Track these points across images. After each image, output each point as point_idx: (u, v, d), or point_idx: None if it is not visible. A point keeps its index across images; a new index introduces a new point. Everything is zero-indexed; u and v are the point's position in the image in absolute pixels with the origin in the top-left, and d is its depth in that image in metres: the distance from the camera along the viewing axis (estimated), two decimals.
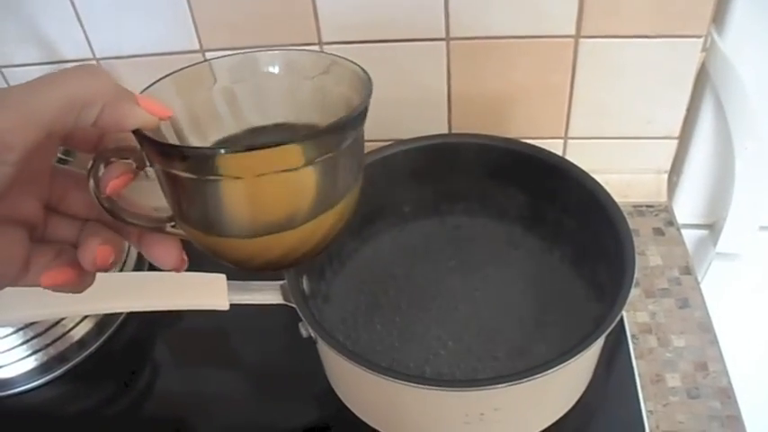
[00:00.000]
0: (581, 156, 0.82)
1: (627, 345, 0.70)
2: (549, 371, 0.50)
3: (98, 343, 0.76)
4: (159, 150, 0.32)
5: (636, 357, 0.70)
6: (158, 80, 0.37)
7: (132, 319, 0.78)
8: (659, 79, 0.77)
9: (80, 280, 0.35)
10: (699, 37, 0.73)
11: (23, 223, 0.34)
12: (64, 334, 0.74)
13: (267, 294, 0.59)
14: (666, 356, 0.70)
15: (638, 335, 0.72)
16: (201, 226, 0.36)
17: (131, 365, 0.74)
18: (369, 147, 0.70)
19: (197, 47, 0.79)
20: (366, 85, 0.38)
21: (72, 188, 0.37)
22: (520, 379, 0.50)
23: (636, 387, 0.67)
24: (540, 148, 0.69)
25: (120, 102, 0.30)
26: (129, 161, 0.33)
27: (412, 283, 0.71)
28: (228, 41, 0.78)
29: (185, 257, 0.37)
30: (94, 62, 0.81)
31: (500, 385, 0.50)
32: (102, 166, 0.33)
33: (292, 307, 0.57)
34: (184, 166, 0.32)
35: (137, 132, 0.32)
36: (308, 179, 0.35)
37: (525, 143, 0.70)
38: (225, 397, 0.69)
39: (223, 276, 0.58)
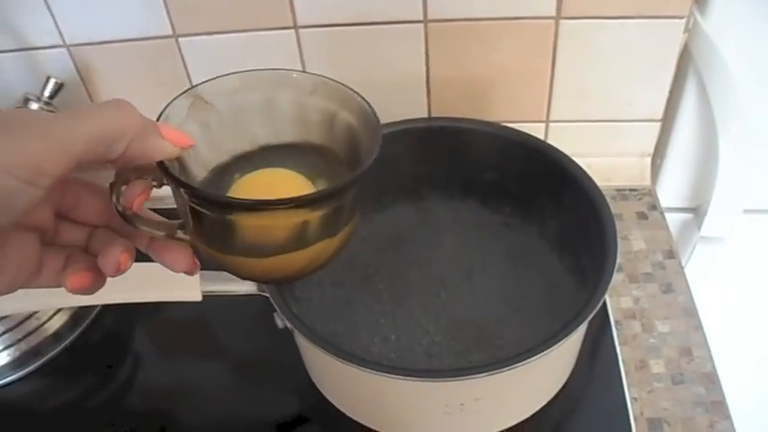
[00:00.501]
0: (563, 139, 0.81)
1: (610, 331, 0.69)
2: (529, 359, 0.49)
3: (74, 335, 0.74)
4: (178, 185, 0.34)
5: (619, 343, 0.69)
6: (172, 101, 0.38)
7: (109, 310, 0.76)
8: (641, 61, 0.75)
9: (98, 283, 0.37)
10: (681, 17, 0.72)
11: (36, 229, 0.36)
12: (38, 327, 0.73)
13: (241, 284, 0.57)
14: (650, 342, 0.70)
15: (622, 320, 0.71)
16: (216, 246, 0.38)
17: (109, 358, 0.72)
18: None
19: (169, 32, 0.77)
20: (376, 131, 0.39)
21: (83, 196, 0.38)
22: (500, 368, 0.49)
23: (620, 374, 0.66)
24: (521, 131, 0.68)
25: (146, 135, 0.33)
26: (148, 180, 0.36)
27: (392, 270, 0.69)
28: (202, 26, 0.77)
29: (197, 261, 0.39)
30: (65, 49, 0.79)
31: (479, 375, 0.48)
32: (122, 183, 0.36)
33: (267, 296, 0.56)
34: (201, 203, 0.35)
35: (161, 164, 0.34)
36: (317, 218, 0.38)
37: (506, 127, 0.69)
38: (205, 388, 0.68)
39: None
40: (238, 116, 0.41)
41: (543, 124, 0.83)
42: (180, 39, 0.77)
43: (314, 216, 0.38)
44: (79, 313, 0.75)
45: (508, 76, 0.78)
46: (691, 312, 0.72)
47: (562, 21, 0.73)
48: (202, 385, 0.69)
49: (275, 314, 0.56)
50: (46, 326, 0.73)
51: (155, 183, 0.36)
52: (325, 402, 0.63)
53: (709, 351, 0.69)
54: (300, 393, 0.66)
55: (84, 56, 0.80)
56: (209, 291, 0.56)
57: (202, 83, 0.39)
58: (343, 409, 0.62)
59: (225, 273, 0.56)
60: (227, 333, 0.73)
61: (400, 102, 0.80)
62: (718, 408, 0.64)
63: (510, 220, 0.72)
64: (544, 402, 0.61)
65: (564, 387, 0.63)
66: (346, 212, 0.40)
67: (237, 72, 0.40)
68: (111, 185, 0.36)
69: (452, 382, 0.50)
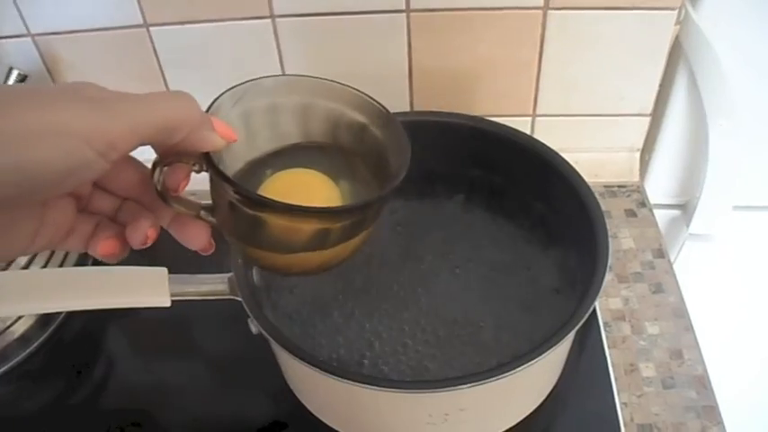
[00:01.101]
0: (550, 134, 0.79)
1: (599, 333, 0.67)
2: (515, 370, 0.46)
3: (42, 338, 0.71)
4: (223, 179, 0.37)
5: (609, 346, 0.67)
6: (221, 94, 0.40)
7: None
8: (631, 53, 0.73)
9: (123, 252, 0.40)
10: (672, 9, 0.70)
11: (75, 195, 0.38)
12: (3, 330, 0.69)
13: (212, 287, 0.54)
14: (640, 345, 0.67)
15: (611, 322, 0.69)
16: (242, 237, 0.42)
17: (80, 360, 0.70)
18: None
19: (140, 21, 0.73)
20: (405, 150, 0.42)
21: (123, 170, 0.39)
22: (485, 379, 0.46)
23: (609, 378, 0.64)
24: (506, 126, 0.65)
25: (201, 128, 0.35)
26: (190, 164, 0.38)
27: (373, 270, 0.66)
28: (174, 15, 0.73)
29: (213, 242, 0.41)
30: (29, 38, 0.75)
31: (463, 386, 0.46)
32: (164, 165, 0.38)
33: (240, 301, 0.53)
34: (237, 198, 0.38)
35: (207, 156, 0.37)
36: (340, 225, 0.41)
37: (490, 121, 0.66)
38: (181, 389, 0.66)
39: (164, 270, 0.53)
40: (275, 116, 0.43)
41: (530, 118, 0.80)
42: (151, 28, 0.74)
43: (338, 224, 0.41)
44: (48, 314, 0.71)
45: (494, 69, 0.76)
46: (681, 313, 0.70)
47: (550, 11, 0.70)
48: (178, 386, 0.66)
49: (249, 320, 0.53)
50: (12, 329, 0.70)
51: (195, 168, 0.38)
52: (302, 408, 0.61)
53: (700, 353, 0.67)
54: (277, 398, 0.63)
55: (50, 46, 0.76)
56: (179, 296, 0.53)
57: (247, 81, 0.41)
58: (321, 418, 0.59)
59: (195, 277, 0.54)
60: (202, 333, 0.70)
61: (381, 95, 0.76)
62: (710, 413, 0.63)
63: (495, 218, 0.69)
64: (531, 409, 0.59)
65: (552, 392, 0.61)
66: (368, 221, 0.43)
67: (279, 75, 0.46)
68: (154, 165, 0.38)
69: (436, 394, 0.47)
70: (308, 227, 0.40)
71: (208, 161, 0.37)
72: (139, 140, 0.33)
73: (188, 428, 0.63)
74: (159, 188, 0.38)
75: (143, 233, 0.38)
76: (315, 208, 0.38)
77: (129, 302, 0.52)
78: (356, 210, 0.42)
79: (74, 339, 0.71)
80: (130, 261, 0.44)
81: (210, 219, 0.41)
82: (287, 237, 0.40)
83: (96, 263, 0.43)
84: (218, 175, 0.37)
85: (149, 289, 0.52)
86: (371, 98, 0.45)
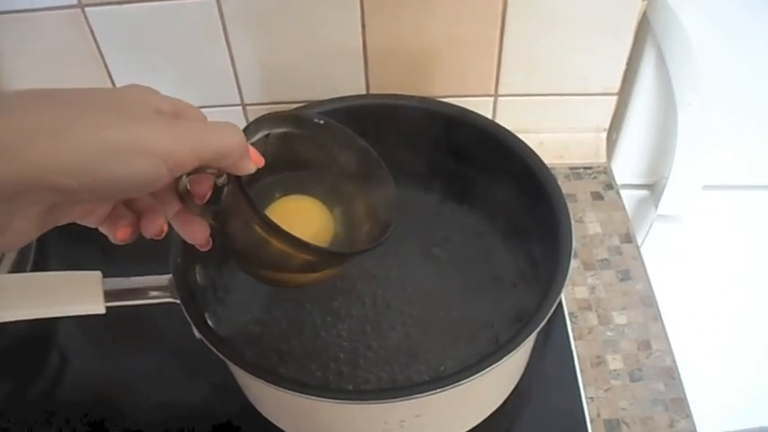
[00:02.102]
0: (513, 115, 0.76)
1: (565, 325, 0.65)
2: (471, 377, 0.43)
3: None
4: (247, 202, 0.40)
5: (574, 338, 0.64)
6: (253, 121, 0.44)
7: None
8: (597, 30, 0.70)
9: (133, 238, 0.41)
10: None
11: None
12: None
13: (150, 292, 0.50)
14: (607, 335, 0.65)
15: (577, 312, 0.67)
16: (241, 247, 0.46)
17: (34, 353, 0.67)
18: (278, 109, 0.62)
19: (74, 1, 0.68)
20: (392, 208, 0.49)
21: None
22: (439, 387, 0.43)
23: (575, 372, 0.62)
24: (464, 109, 0.62)
25: (244, 157, 0.39)
26: (213, 174, 0.42)
27: None
28: None
29: (211, 240, 0.44)
30: None
31: (416, 396, 0.43)
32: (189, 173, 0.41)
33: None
34: (255, 220, 0.41)
35: (238, 179, 0.40)
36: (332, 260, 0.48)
37: (448, 104, 0.63)
38: (137, 383, 0.64)
39: (98, 274, 0.50)
40: (289, 145, 0.47)
41: (491, 98, 0.77)
42: (87, 9, 0.69)
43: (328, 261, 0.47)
44: None
45: (453, 47, 0.72)
46: (649, 301, 0.67)
47: None
48: (134, 380, 0.64)
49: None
50: None
51: (220, 180, 0.42)
52: (257, 413, 0.58)
53: (669, 343, 0.65)
54: (231, 399, 0.60)
55: None
56: (114, 302, 0.49)
57: (269, 114, 0.45)
58: (277, 424, 0.56)
59: (132, 280, 0.51)
60: (160, 322, 0.67)
61: (336, 77, 0.74)
62: (679, 405, 0.61)
63: (454, 207, 0.66)
64: (493, 409, 0.57)
65: (515, 389, 0.58)
66: (352, 258, 0.48)
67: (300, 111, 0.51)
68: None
69: (390, 404, 0.44)
70: (303, 257, 0.43)
71: (238, 184, 0.40)
72: (199, 163, 0.36)
73: (148, 420, 0.61)
74: (181, 191, 0.42)
75: (159, 227, 0.41)
76: (319, 248, 0.44)
77: (62, 311, 0.48)
78: (348, 255, 0.48)
79: (27, 331, 0.68)
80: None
81: (213, 223, 0.44)
82: (280, 259, 0.44)
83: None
84: (246, 199, 0.40)
85: (80, 295, 0.48)
86: (377, 157, 0.50)
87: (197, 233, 0.43)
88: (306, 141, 0.48)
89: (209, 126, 0.37)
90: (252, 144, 0.41)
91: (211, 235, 0.44)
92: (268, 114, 0.45)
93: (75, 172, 0.30)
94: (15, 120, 0.29)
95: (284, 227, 0.41)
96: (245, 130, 0.41)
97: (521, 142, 0.59)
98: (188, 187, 0.41)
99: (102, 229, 0.40)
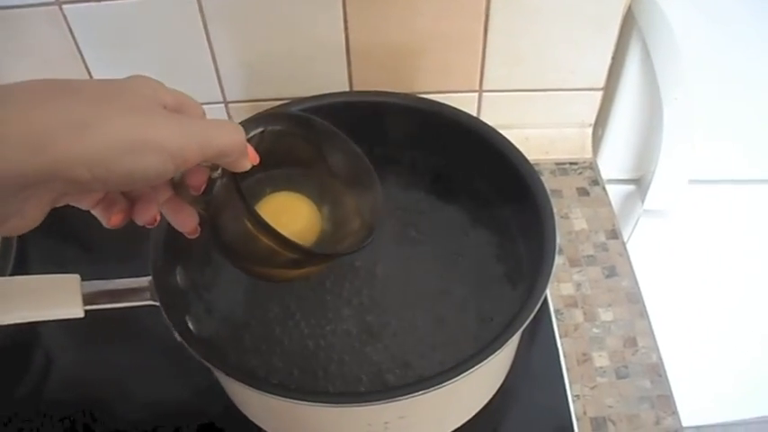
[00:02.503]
0: (497, 110, 0.76)
1: (550, 322, 0.64)
2: (454, 378, 0.43)
3: None
4: (241, 198, 0.41)
5: (560, 335, 0.64)
6: (250, 119, 0.46)
7: None
8: (582, 24, 0.70)
9: (124, 223, 0.41)
10: None
11: None
12: None
13: (130, 295, 0.50)
14: (593, 332, 0.65)
15: (563, 309, 0.66)
16: (228, 239, 0.47)
17: (14, 361, 0.66)
18: (260, 107, 0.62)
19: None
20: (378, 213, 0.50)
21: None
22: (423, 389, 0.43)
23: (561, 369, 0.62)
24: (446, 105, 0.61)
25: (242, 155, 0.40)
26: (207, 167, 0.42)
27: None
28: None
29: (199, 229, 0.44)
30: None
31: (399, 398, 0.43)
32: None
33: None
34: (248, 217, 0.42)
35: (233, 176, 0.41)
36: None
37: (431, 101, 0.62)
38: (115, 388, 0.63)
39: (76, 277, 0.49)
40: (284, 143, 0.48)
41: (476, 94, 0.76)
42: (64, 6, 0.67)
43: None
44: None
45: (436, 42, 0.71)
46: (635, 298, 0.67)
47: None
48: (118, 380, 0.63)
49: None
50: None
51: (215, 174, 0.43)
52: (240, 413, 0.57)
53: (655, 340, 0.64)
54: (214, 401, 0.59)
55: None
56: (93, 305, 0.48)
57: (268, 111, 0.49)
58: (261, 425, 0.55)
59: (112, 282, 0.50)
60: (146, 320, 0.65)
61: (319, 74, 0.73)
62: (665, 402, 0.61)
63: (437, 204, 0.65)
64: (478, 409, 0.56)
65: (501, 387, 0.58)
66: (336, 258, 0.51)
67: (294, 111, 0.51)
68: None
69: (372, 406, 0.44)
70: (290, 254, 0.44)
71: (233, 180, 0.41)
72: (203, 159, 0.37)
73: (133, 419, 0.60)
74: (175, 181, 0.42)
75: (152, 215, 0.41)
76: (303, 247, 0.44)
77: (40, 315, 0.47)
78: (333, 255, 0.50)
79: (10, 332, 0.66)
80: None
81: (202, 212, 0.44)
82: (271, 254, 0.44)
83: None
84: (239, 195, 0.41)
85: (58, 300, 0.47)
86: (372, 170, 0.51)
87: (187, 221, 0.44)
88: (300, 140, 0.49)
89: (214, 124, 0.38)
90: (248, 140, 0.41)
91: (199, 224, 0.44)
92: (266, 112, 0.47)
93: (94, 165, 0.32)
94: (42, 114, 0.31)
95: (273, 223, 0.42)
96: (242, 125, 0.41)
97: (503, 139, 0.58)
98: (182, 177, 0.42)
99: (95, 212, 0.40)
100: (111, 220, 0.40)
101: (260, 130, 0.46)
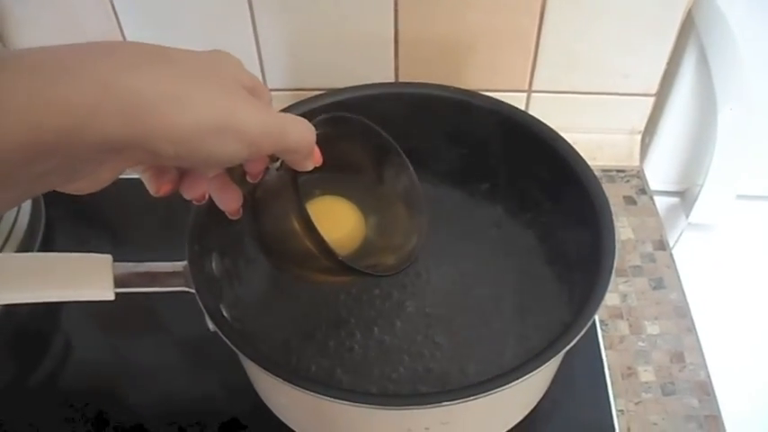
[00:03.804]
0: (545, 112, 0.73)
1: (595, 333, 0.62)
2: (500, 388, 0.41)
3: None
4: (295, 196, 0.41)
5: (605, 347, 0.61)
6: (317, 119, 0.43)
7: None
8: (639, 27, 0.67)
9: (171, 194, 0.40)
10: None
11: None
12: None
13: (164, 279, 0.48)
14: (639, 346, 0.62)
15: (608, 320, 0.64)
16: (268, 229, 0.46)
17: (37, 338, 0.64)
18: (303, 95, 0.60)
19: None
20: (422, 235, 0.50)
21: None
22: (466, 396, 0.41)
23: (605, 383, 0.59)
24: (500, 101, 0.59)
25: (309, 155, 0.39)
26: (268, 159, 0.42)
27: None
28: None
29: (241, 210, 0.43)
30: None
31: (445, 403, 0.40)
32: None
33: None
34: (295, 214, 0.42)
35: (294, 174, 0.41)
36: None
37: (482, 95, 0.60)
38: (146, 372, 0.61)
39: (108, 257, 0.47)
40: (343, 148, 0.46)
41: (524, 94, 0.74)
42: None
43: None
44: None
45: (488, 39, 0.69)
46: (683, 312, 0.65)
47: None
48: (139, 371, 0.62)
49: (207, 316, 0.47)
50: None
51: (274, 166, 0.42)
52: (266, 410, 0.55)
53: (703, 357, 0.62)
54: (240, 396, 0.57)
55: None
56: (125, 287, 0.46)
57: (328, 115, 0.44)
58: (290, 425, 0.53)
59: (144, 265, 0.48)
60: (169, 309, 0.64)
61: (365, 64, 0.71)
62: (713, 423, 0.58)
63: (485, 205, 0.63)
64: (520, 419, 0.54)
65: (542, 398, 0.55)
66: None
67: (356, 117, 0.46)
68: None
69: (414, 411, 0.42)
70: (326, 263, 0.43)
71: (293, 177, 0.41)
72: (274, 151, 0.37)
73: (154, 412, 0.58)
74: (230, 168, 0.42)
75: (201, 191, 0.40)
76: (342, 262, 0.43)
77: (69, 296, 0.45)
78: (368, 275, 0.46)
79: (30, 315, 0.66)
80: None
81: (247, 194, 0.43)
82: (307, 257, 0.44)
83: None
84: (295, 194, 0.41)
85: (88, 280, 0.45)
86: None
87: (231, 200, 0.43)
88: (359, 148, 0.49)
89: (291, 119, 0.37)
90: None
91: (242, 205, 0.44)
92: (336, 114, 0.45)
93: (180, 143, 0.31)
94: (139, 81, 0.29)
95: (318, 226, 0.41)
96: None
97: (563, 141, 0.56)
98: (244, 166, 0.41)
99: (144, 178, 0.39)
100: (160, 188, 0.39)
101: (322, 131, 0.44)
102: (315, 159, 0.40)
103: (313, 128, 0.39)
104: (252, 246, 0.58)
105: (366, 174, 0.51)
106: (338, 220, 0.50)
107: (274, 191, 0.43)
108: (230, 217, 0.43)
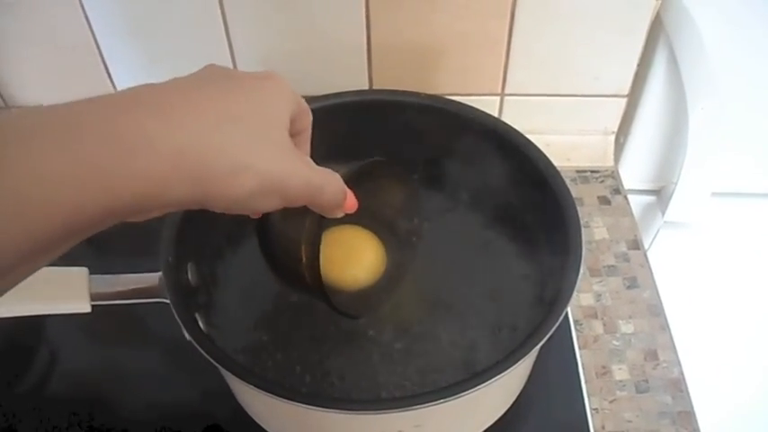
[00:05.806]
0: (519, 115, 0.75)
1: (569, 332, 0.62)
2: (472, 389, 0.41)
3: None
4: (314, 246, 0.43)
5: (579, 347, 0.62)
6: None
7: None
8: (609, 30, 0.68)
9: None
10: None
11: None
12: None
13: (139, 292, 0.48)
14: (613, 345, 0.63)
15: (582, 320, 0.65)
16: (275, 246, 0.47)
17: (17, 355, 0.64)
18: None
19: None
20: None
21: None
22: (436, 399, 0.41)
23: (579, 381, 0.60)
24: (471, 107, 0.60)
25: (338, 207, 0.40)
26: None
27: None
28: None
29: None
30: None
31: (417, 407, 0.41)
32: None
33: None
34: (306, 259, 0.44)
35: (321, 219, 0.42)
36: None
37: (453, 101, 0.61)
38: (120, 386, 0.61)
39: (84, 270, 0.47)
40: (377, 193, 0.50)
41: (498, 98, 0.75)
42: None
43: None
44: None
45: (459, 43, 0.70)
46: (656, 311, 0.65)
47: None
48: (123, 378, 0.62)
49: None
50: None
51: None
52: (246, 415, 0.55)
53: (677, 354, 0.63)
54: (221, 402, 0.57)
55: None
56: (101, 299, 0.47)
57: (381, 160, 0.47)
58: (267, 428, 0.54)
59: (121, 277, 0.48)
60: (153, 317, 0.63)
61: (338, 71, 0.72)
62: (686, 419, 0.59)
63: (455, 206, 0.63)
64: (495, 419, 0.54)
65: (517, 398, 0.56)
66: None
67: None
68: None
69: (386, 415, 0.42)
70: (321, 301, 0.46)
71: (319, 219, 0.42)
72: (303, 203, 0.37)
73: (138, 418, 0.59)
74: None
75: None
76: (336, 308, 0.47)
77: (37, 310, 0.45)
78: (357, 318, 0.52)
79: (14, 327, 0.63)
80: None
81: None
82: (302, 284, 0.45)
83: None
84: (315, 237, 0.43)
85: (65, 293, 0.46)
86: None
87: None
88: (386, 190, 0.52)
89: (329, 177, 0.38)
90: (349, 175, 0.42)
91: None
92: (380, 160, 0.46)
93: (233, 204, 0.33)
94: (209, 157, 0.31)
95: (341, 253, 0.47)
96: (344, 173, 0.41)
97: (529, 142, 0.57)
98: None
99: None
100: None
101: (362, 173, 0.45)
102: (347, 207, 0.41)
103: (343, 185, 0.39)
104: (228, 253, 0.60)
105: (396, 223, 0.55)
106: (359, 252, 0.53)
107: (296, 216, 0.43)
108: (251, 216, 0.44)
